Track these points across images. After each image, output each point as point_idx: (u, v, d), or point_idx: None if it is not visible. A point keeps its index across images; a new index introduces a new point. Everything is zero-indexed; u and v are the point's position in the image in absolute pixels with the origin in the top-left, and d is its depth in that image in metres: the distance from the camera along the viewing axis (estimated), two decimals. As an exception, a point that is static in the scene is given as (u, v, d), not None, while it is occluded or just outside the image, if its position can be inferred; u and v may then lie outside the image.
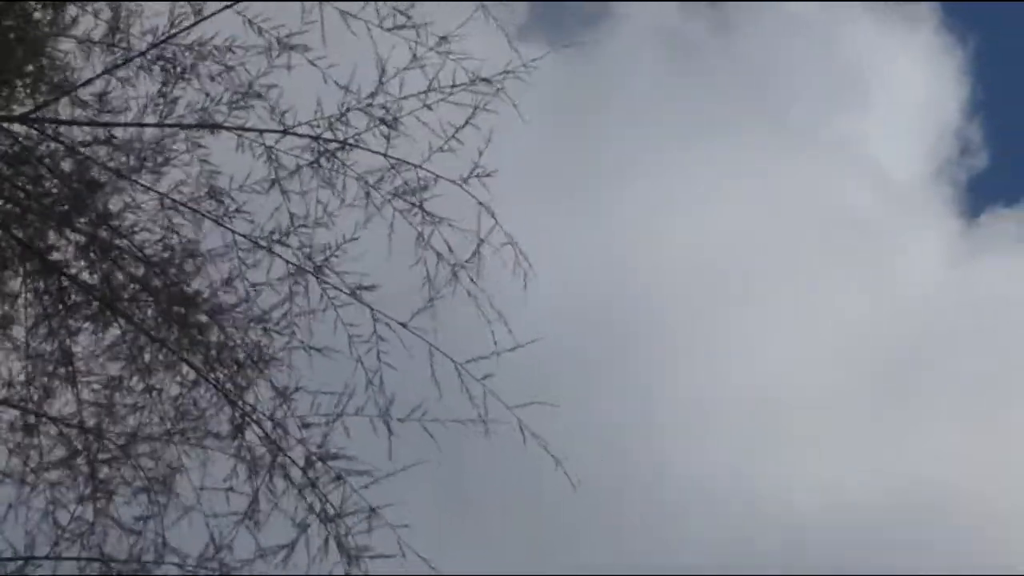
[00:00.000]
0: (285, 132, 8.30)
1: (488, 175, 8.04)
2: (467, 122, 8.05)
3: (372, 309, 8.17)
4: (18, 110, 8.54)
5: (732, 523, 16.85)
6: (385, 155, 8.16)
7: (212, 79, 8.45)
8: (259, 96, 8.30)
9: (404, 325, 8.13)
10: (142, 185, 8.55)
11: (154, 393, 8.54)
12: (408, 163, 8.12)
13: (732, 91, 20.38)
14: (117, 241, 8.52)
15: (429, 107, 8.13)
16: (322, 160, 8.23)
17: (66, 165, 8.54)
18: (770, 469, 17.96)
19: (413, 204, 8.07)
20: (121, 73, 8.55)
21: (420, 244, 8.08)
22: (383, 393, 8.05)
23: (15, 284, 8.59)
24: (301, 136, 8.28)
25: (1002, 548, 16.77)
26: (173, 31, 8.50)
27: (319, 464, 8.30)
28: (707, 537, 16.07)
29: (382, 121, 8.06)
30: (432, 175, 8.09)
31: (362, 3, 8.35)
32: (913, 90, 22.17)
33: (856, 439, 18.79)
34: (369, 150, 8.18)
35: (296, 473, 8.35)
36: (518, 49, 8.29)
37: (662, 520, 15.97)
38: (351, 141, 8.19)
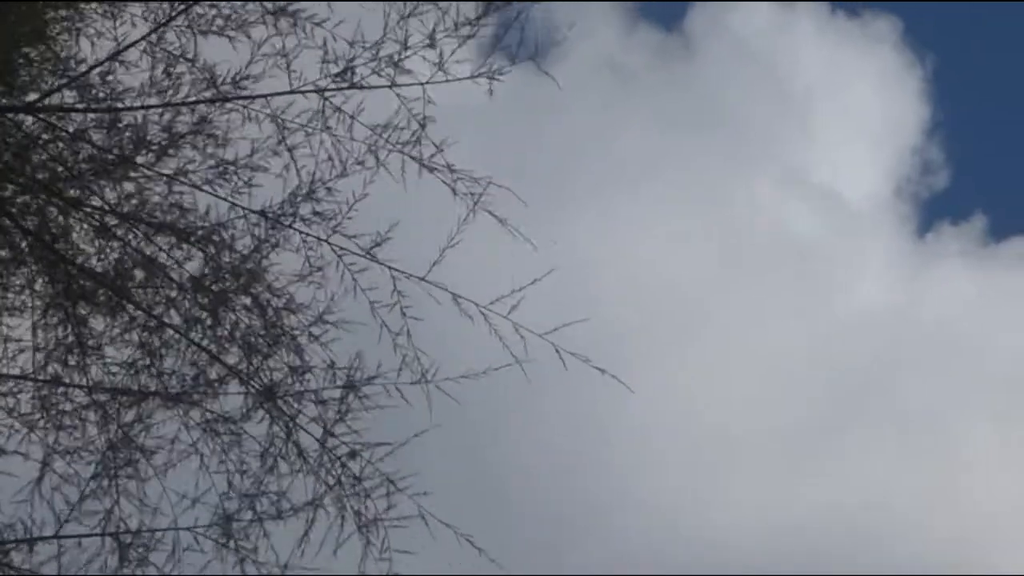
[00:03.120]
0: (291, 92, 8.28)
1: (497, 77, 8.07)
2: (466, 38, 8.09)
3: (391, 268, 8.16)
4: (23, 99, 8.55)
5: (680, 548, 16.79)
6: (391, 86, 8.14)
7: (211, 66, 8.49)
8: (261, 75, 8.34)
9: (423, 278, 8.13)
10: (150, 168, 8.55)
11: (165, 377, 8.48)
12: (411, 84, 8.11)
13: (680, 119, 20.46)
14: (126, 226, 8.49)
15: (432, 45, 8.12)
16: (327, 110, 8.22)
17: (73, 152, 8.53)
18: (717, 495, 17.95)
19: (418, 130, 8.10)
20: (126, 57, 8.58)
21: (422, 171, 8.11)
22: (412, 346, 8.01)
23: (25, 273, 8.54)
24: (306, 92, 8.26)
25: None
26: (174, 13, 8.55)
27: (334, 440, 8.24)
28: (656, 560, 16.01)
29: (389, 60, 8.08)
30: (441, 80, 8.08)
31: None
32: (872, 109, 22.13)
33: (804, 465, 18.80)
34: (373, 87, 8.16)
35: (312, 449, 8.31)
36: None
37: (612, 543, 15.87)
38: (357, 84, 8.17)
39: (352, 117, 8.17)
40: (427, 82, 8.08)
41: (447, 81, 8.09)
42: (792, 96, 21.69)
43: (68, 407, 8.25)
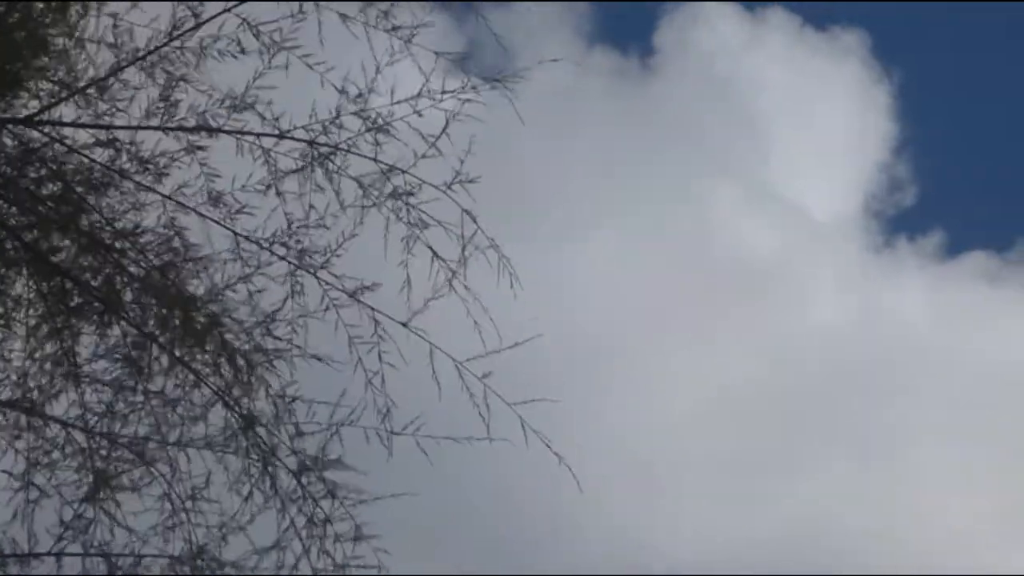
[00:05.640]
0: (281, 136, 8.42)
1: (471, 181, 8.21)
2: (444, 130, 8.24)
3: (373, 309, 8.32)
4: (22, 112, 8.64)
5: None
6: (375, 160, 8.29)
7: (209, 89, 8.57)
8: (255, 103, 8.43)
9: (404, 324, 8.27)
10: (144, 187, 8.67)
11: (152, 396, 8.68)
12: (397, 168, 8.25)
13: (644, 135, 20.12)
14: (119, 243, 8.64)
15: (419, 114, 8.27)
16: (315, 165, 8.34)
17: (69, 167, 8.65)
18: (673, 519, 18.09)
19: (405, 203, 8.24)
20: (124, 75, 8.65)
21: (408, 245, 8.23)
22: (384, 394, 8.19)
23: (18, 286, 8.70)
24: (297, 140, 8.40)
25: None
26: (175, 34, 8.59)
27: (310, 475, 8.45)
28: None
29: (373, 126, 8.19)
30: (419, 181, 8.23)
31: (358, 3, 8.50)
32: (840, 124, 21.65)
33: (765, 484, 18.84)
34: (360, 155, 8.31)
35: (286, 482, 8.52)
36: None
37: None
38: (343, 146, 8.30)
39: (339, 171, 8.28)
40: (407, 171, 8.25)
41: (426, 183, 8.25)
42: (760, 110, 21.27)
43: (51, 437, 8.48)
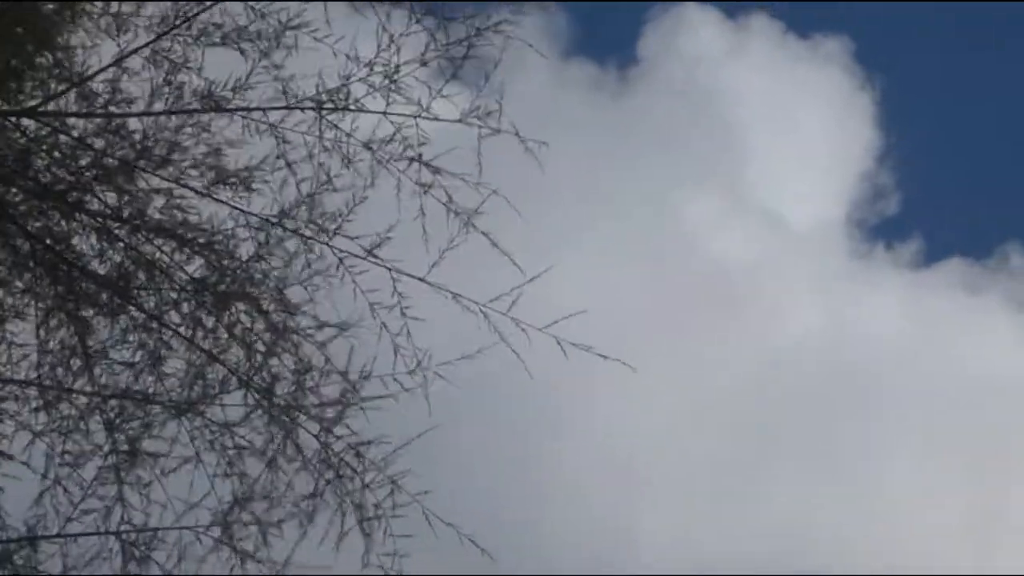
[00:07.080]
0: (288, 107, 8.47)
1: (488, 113, 8.29)
2: (458, 69, 8.31)
3: (390, 269, 8.31)
4: (26, 104, 8.67)
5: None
6: (385, 113, 8.34)
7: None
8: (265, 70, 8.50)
9: (422, 279, 8.27)
10: (151, 172, 8.68)
11: (166, 380, 8.59)
12: (404, 115, 8.30)
13: (627, 144, 20.28)
14: (127, 229, 8.62)
15: (425, 63, 8.34)
16: (324, 128, 8.38)
17: (75, 157, 8.65)
18: (655, 519, 17.99)
19: (413, 159, 8.27)
20: (128, 64, 8.72)
21: (420, 194, 8.26)
22: (411, 344, 8.16)
23: (28, 277, 8.64)
24: (303, 109, 8.43)
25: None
26: (178, 22, 8.69)
27: (334, 439, 8.36)
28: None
29: (385, 76, 8.25)
30: (432, 117, 8.27)
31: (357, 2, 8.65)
32: (823, 132, 21.77)
33: (737, 488, 18.76)
34: (369, 111, 8.34)
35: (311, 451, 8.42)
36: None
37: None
38: (352, 106, 8.35)
39: (348, 135, 8.34)
40: (419, 116, 8.30)
41: (437, 119, 8.30)
42: (741, 118, 21.54)
43: (72, 411, 8.33)
